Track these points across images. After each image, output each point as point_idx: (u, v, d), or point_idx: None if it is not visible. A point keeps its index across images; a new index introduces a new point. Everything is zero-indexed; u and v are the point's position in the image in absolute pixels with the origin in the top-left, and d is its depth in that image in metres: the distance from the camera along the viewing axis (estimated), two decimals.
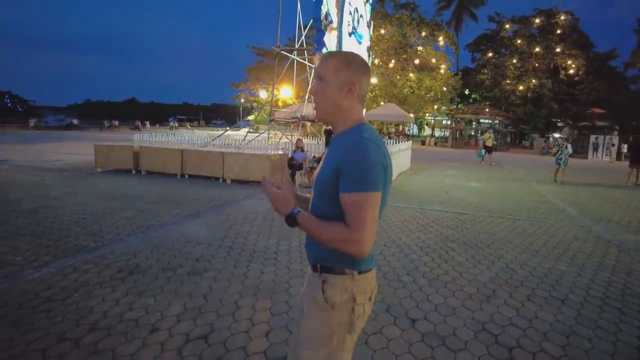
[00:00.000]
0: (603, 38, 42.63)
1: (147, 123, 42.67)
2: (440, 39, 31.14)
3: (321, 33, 8.29)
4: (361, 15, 11.08)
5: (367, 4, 11.73)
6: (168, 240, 4.38)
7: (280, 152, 8.93)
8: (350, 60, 1.22)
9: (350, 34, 10.03)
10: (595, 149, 24.45)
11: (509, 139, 35.73)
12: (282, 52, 9.48)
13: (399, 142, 13.35)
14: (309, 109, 11.87)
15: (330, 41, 8.57)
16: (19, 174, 8.59)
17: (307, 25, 10.47)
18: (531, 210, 7.11)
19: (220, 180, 8.67)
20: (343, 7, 9.33)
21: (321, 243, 1.16)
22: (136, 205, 6.02)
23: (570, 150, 11.32)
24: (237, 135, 14.55)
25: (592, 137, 25.20)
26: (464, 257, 4.29)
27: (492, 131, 17.38)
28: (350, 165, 1.09)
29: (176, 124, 48.31)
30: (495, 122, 31.87)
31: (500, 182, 10.98)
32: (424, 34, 30.36)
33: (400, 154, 11.31)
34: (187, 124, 54.67)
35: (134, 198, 6.54)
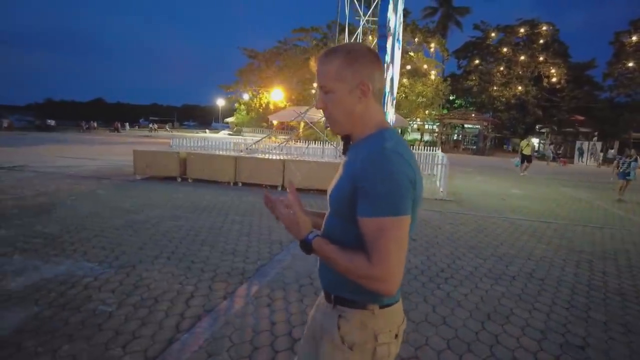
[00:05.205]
0: (577, 48, 45.13)
1: (127, 125, 40.75)
2: (432, 45, 31.90)
3: (384, 39, 8.18)
4: (400, 22, 11.07)
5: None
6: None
7: (338, 159, 8.69)
8: (352, 55, 0.98)
9: (397, 40, 9.98)
10: (581, 154, 25.87)
11: (488, 144, 37.05)
12: None
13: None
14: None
15: (389, 47, 8.47)
16: (52, 182, 7.81)
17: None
18: (599, 218, 7.30)
19: (279, 188, 8.31)
20: (397, 13, 9.27)
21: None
22: (232, 217, 5.61)
23: (639, 163, 9.82)
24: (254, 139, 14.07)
25: (578, 143, 26.67)
26: (613, 270, 4.29)
27: (530, 137, 16.21)
28: (369, 182, 0.89)
29: (155, 126, 46.39)
30: (482, 127, 33.01)
31: (536, 188, 11.27)
32: (417, 40, 30.98)
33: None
34: (166, 126, 52.72)
35: (221, 209, 6.13)
